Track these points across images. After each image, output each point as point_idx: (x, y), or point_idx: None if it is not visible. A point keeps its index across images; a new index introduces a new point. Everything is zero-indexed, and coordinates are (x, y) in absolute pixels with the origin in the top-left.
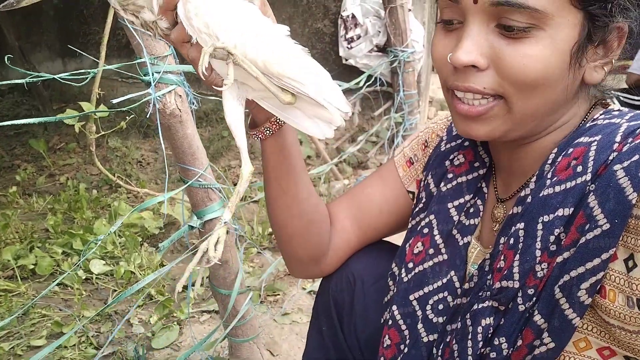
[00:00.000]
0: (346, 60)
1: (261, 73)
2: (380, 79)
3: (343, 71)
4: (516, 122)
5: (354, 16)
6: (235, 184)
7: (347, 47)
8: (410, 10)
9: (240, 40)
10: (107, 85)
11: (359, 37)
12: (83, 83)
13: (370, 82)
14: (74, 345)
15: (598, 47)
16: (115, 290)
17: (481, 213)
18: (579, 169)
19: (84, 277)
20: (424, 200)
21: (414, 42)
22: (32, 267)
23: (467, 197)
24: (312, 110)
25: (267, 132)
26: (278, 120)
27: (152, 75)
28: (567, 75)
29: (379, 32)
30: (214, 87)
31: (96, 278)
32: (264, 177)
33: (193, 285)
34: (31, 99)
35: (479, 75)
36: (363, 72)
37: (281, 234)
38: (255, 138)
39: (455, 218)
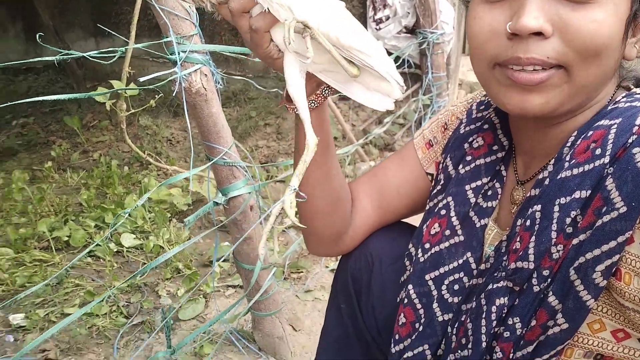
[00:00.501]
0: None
1: (333, 46)
2: (408, 60)
3: None
4: (572, 93)
5: None
6: (262, 163)
7: (376, 29)
8: None
9: (314, 12)
10: (138, 64)
11: (387, 18)
12: (111, 61)
13: (398, 63)
14: (105, 314)
15: (634, 22)
16: (145, 263)
17: (499, 196)
18: (598, 151)
19: (115, 250)
20: (442, 182)
21: (444, 23)
22: (66, 239)
23: (485, 180)
24: (374, 83)
25: (313, 104)
26: (323, 93)
27: (179, 54)
28: (620, 47)
29: (408, 13)
30: (269, 58)
31: (127, 251)
32: (297, 152)
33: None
34: (65, 77)
35: (541, 44)
36: (391, 54)
37: (306, 210)
38: (297, 111)
39: (472, 200)
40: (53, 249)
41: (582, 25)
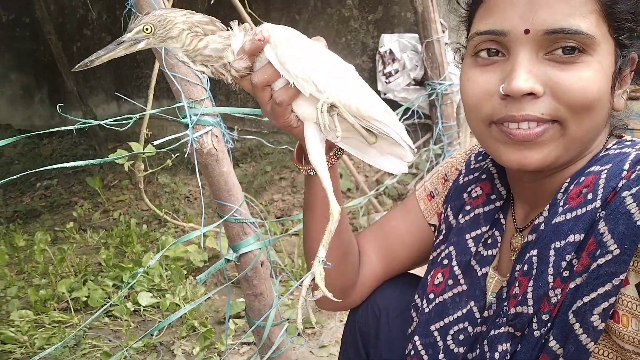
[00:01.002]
0: (385, 94)
1: (353, 117)
2: (418, 111)
3: None
4: (568, 145)
5: (391, 52)
6: (277, 217)
7: (386, 82)
8: (446, 43)
9: (336, 87)
10: (157, 124)
11: (396, 71)
12: (126, 127)
13: (408, 114)
14: None
15: (620, 76)
16: (162, 322)
17: (499, 244)
18: (589, 196)
19: (132, 309)
20: (444, 232)
21: (452, 74)
22: (85, 299)
23: (484, 229)
24: (388, 148)
25: (327, 165)
26: (336, 154)
27: (190, 117)
28: (609, 99)
29: (416, 66)
30: (288, 127)
31: (144, 310)
32: (308, 209)
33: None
34: (88, 139)
35: (534, 103)
36: (401, 106)
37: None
38: (311, 172)
39: (473, 249)
40: (72, 309)
41: (572, 84)
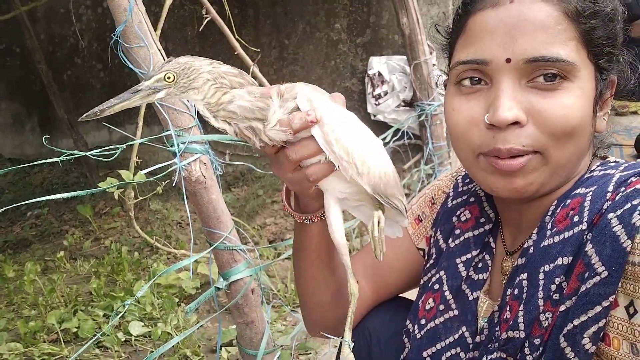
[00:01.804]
0: (374, 116)
1: (380, 196)
2: (408, 132)
3: (372, 127)
4: (552, 172)
5: (380, 74)
6: (270, 241)
7: (375, 104)
8: (434, 65)
9: (373, 172)
10: (148, 150)
11: (386, 93)
12: (112, 158)
13: (398, 135)
14: None
15: (601, 99)
16: (153, 352)
17: (490, 268)
18: (576, 218)
19: (123, 339)
20: (434, 256)
21: (440, 95)
22: (75, 330)
23: (475, 253)
24: (389, 214)
25: (323, 216)
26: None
27: (178, 145)
28: (591, 124)
29: (405, 87)
30: (305, 194)
31: (135, 339)
32: (301, 254)
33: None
34: (79, 167)
35: (518, 132)
36: (392, 127)
37: (311, 301)
38: (307, 221)
39: (464, 273)
40: (62, 341)
41: (554, 111)
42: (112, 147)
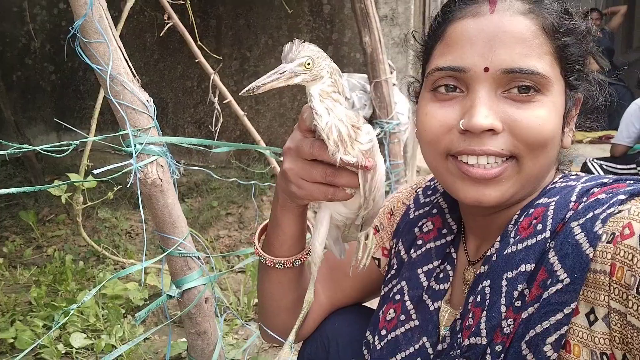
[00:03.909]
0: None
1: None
2: None
3: None
4: (523, 182)
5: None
6: (222, 253)
7: None
8: (394, 84)
9: (377, 207)
10: (99, 157)
11: None
12: (65, 154)
13: None
14: None
15: (569, 115)
16: None
17: (451, 278)
18: (539, 227)
19: (63, 352)
20: (395, 266)
21: (399, 114)
22: (11, 340)
23: (436, 263)
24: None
25: (295, 264)
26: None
27: (134, 146)
28: (560, 139)
29: (365, 105)
30: (301, 199)
31: (76, 352)
32: (271, 300)
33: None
34: (24, 171)
35: (494, 139)
36: None
37: (275, 307)
38: (279, 266)
39: (425, 284)
40: None
41: (530, 121)
42: (64, 143)
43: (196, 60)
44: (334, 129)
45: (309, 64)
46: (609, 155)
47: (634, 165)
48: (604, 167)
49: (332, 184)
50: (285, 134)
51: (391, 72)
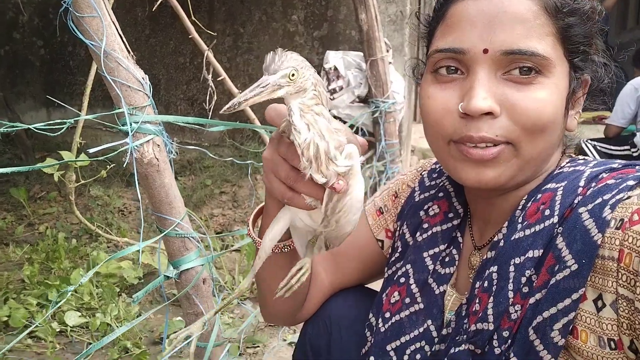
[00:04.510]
0: (329, 111)
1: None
2: (362, 128)
3: None
4: (522, 165)
5: (336, 68)
6: (217, 232)
7: (330, 98)
8: (390, 63)
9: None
10: (91, 134)
11: (341, 88)
12: (58, 133)
13: (352, 132)
14: None
15: (573, 97)
16: (90, 343)
17: (457, 262)
18: (547, 212)
19: (58, 330)
20: (399, 249)
21: (395, 93)
22: (5, 319)
23: (442, 247)
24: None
25: (285, 248)
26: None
27: (130, 125)
28: (562, 121)
29: (361, 83)
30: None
31: (71, 330)
32: (268, 290)
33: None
34: (14, 148)
35: (491, 123)
36: (345, 122)
37: (266, 290)
38: (276, 251)
39: (431, 267)
40: None
41: (528, 104)
42: (57, 121)
43: (189, 36)
44: (311, 146)
45: (293, 75)
46: (602, 135)
47: (627, 147)
48: (598, 147)
49: (293, 188)
50: None
51: (387, 50)
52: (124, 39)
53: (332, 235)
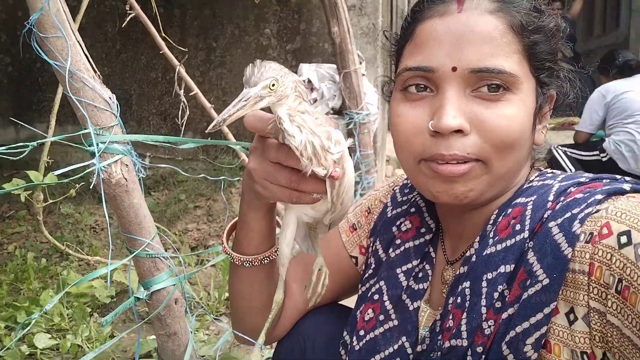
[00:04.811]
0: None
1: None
2: None
3: None
4: (492, 182)
5: (309, 81)
6: (192, 247)
7: None
8: (363, 74)
9: (344, 216)
10: (60, 151)
11: (315, 100)
12: (22, 156)
13: None
14: None
15: (540, 113)
16: None
17: (430, 277)
18: (518, 227)
19: (27, 353)
20: (373, 266)
21: (369, 104)
22: None
23: (415, 262)
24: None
25: (264, 261)
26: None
27: (97, 145)
28: (530, 136)
29: (334, 95)
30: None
31: (41, 353)
32: (241, 300)
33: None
34: None
35: (461, 141)
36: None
37: (244, 306)
38: (247, 264)
39: (404, 283)
40: None
41: (497, 121)
42: (20, 144)
43: (160, 52)
44: (307, 145)
45: (273, 85)
46: (572, 141)
47: (597, 152)
48: (568, 153)
49: (297, 190)
50: None
51: (360, 63)
52: (90, 59)
53: (337, 217)
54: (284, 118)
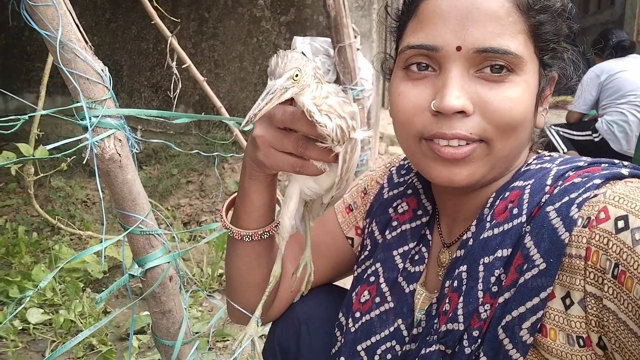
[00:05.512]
0: None
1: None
2: None
3: None
4: (494, 163)
5: (303, 54)
6: (184, 222)
7: None
8: (358, 49)
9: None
10: (50, 122)
11: None
12: (13, 130)
13: None
14: None
15: (542, 95)
16: (54, 341)
17: (426, 260)
18: (515, 211)
19: (20, 328)
20: (369, 247)
21: (363, 80)
22: None
23: (411, 245)
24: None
25: (264, 236)
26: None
27: (90, 119)
28: (533, 118)
29: (329, 70)
30: (267, 166)
31: (34, 328)
32: (239, 276)
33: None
34: None
35: (464, 121)
36: None
37: (241, 283)
38: (246, 239)
39: (401, 265)
40: None
41: (500, 103)
42: (11, 117)
43: (152, 22)
44: (337, 130)
45: (297, 75)
46: (564, 120)
47: (589, 132)
48: (561, 133)
49: (302, 157)
50: (247, 98)
51: (355, 37)
52: (81, 29)
53: (339, 195)
54: (313, 110)
